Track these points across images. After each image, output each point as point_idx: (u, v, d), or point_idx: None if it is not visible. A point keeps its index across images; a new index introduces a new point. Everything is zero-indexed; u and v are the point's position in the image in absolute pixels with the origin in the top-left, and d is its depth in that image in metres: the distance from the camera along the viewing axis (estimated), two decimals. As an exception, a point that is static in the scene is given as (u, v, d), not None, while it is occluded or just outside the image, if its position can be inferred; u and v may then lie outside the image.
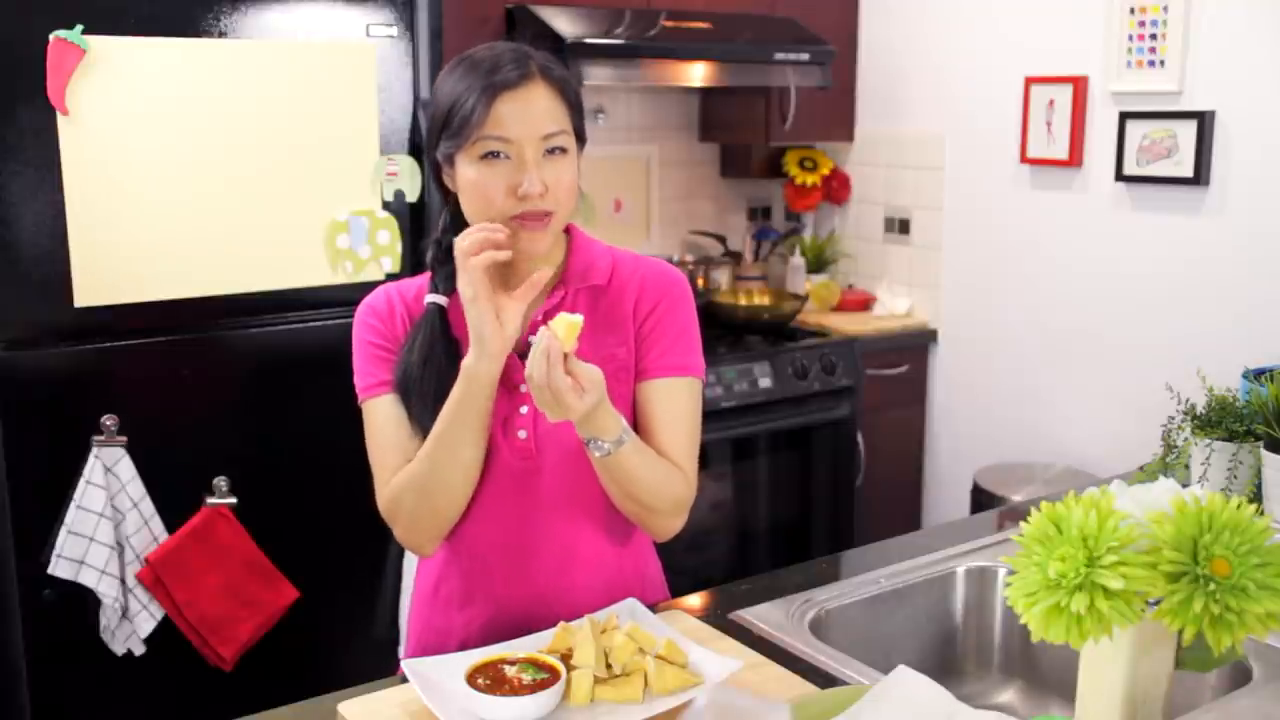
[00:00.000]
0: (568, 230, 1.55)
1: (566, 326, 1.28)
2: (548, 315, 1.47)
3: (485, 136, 1.37)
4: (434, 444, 1.41)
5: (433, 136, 1.43)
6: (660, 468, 1.45)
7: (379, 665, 1.60)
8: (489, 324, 1.36)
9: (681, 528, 1.53)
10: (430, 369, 1.43)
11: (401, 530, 1.47)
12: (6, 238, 2.18)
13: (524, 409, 1.46)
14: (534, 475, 1.46)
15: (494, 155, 1.38)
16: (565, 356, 1.27)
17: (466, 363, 1.38)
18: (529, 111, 1.38)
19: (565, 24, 3.03)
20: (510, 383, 1.46)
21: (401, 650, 1.65)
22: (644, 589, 1.57)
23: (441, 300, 1.47)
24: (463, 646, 1.50)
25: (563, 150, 1.41)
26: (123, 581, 2.30)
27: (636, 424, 1.50)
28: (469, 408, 1.39)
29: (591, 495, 1.48)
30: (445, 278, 1.48)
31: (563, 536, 1.49)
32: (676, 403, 1.50)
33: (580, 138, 1.46)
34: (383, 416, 1.47)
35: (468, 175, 1.40)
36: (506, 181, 1.38)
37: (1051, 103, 3.26)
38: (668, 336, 1.50)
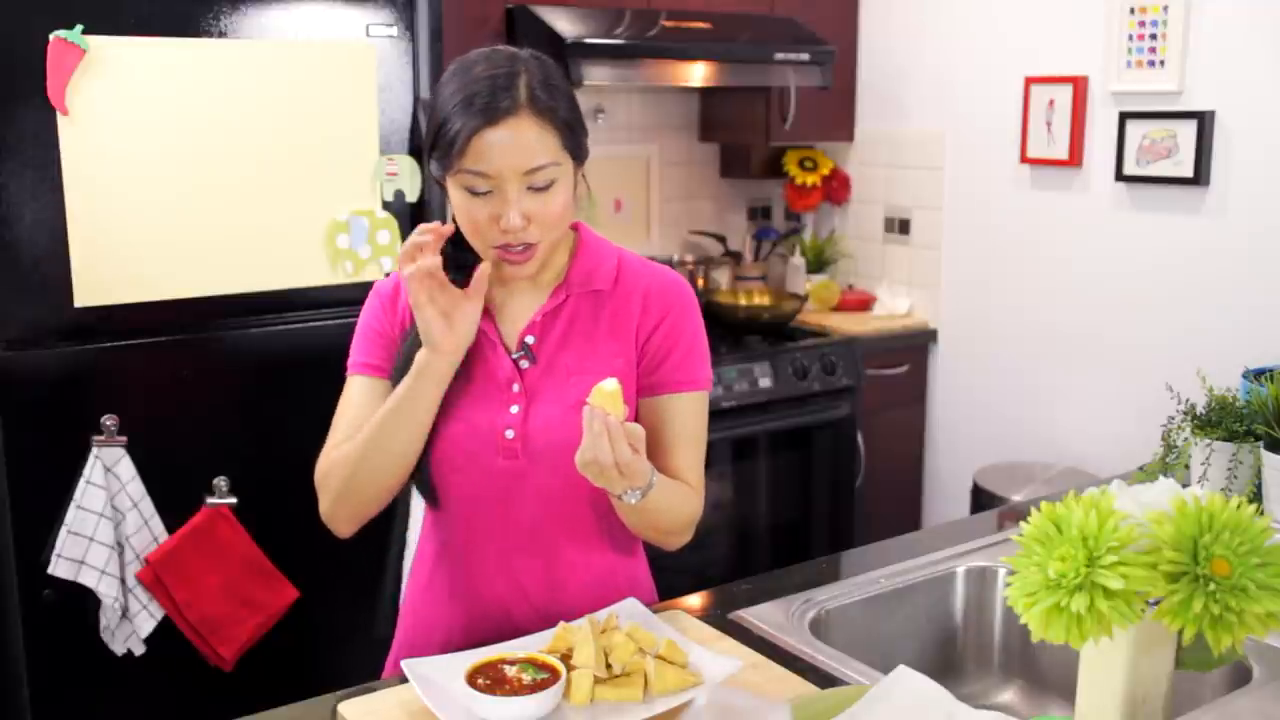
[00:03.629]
0: (576, 228, 1.55)
1: (610, 397, 1.25)
2: (547, 316, 1.48)
3: (465, 170, 1.36)
4: (373, 430, 1.42)
5: (428, 147, 1.42)
6: (678, 495, 1.46)
7: (379, 665, 1.60)
8: (436, 328, 1.38)
9: (689, 539, 1.53)
10: None
11: (325, 504, 1.48)
12: (6, 238, 2.18)
13: (514, 408, 1.45)
14: (520, 476, 1.46)
15: (476, 188, 1.37)
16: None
17: (419, 357, 1.40)
18: (512, 147, 1.35)
19: (565, 24, 3.03)
20: (500, 382, 1.46)
21: (394, 639, 1.65)
22: (633, 592, 1.56)
23: None
24: (448, 640, 1.50)
25: (550, 180, 1.38)
26: (123, 581, 2.30)
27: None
28: (414, 401, 1.40)
29: (578, 496, 1.47)
30: (452, 271, 1.49)
31: (548, 537, 1.49)
32: (686, 418, 1.50)
33: (578, 157, 1.42)
34: (355, 393, 1.50)
35: (455, 199, 1.40)
36: (489, 212, 1.37)
37: (1051, 103, 3.26)
38: (678, 351, 1.49)
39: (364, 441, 1.43)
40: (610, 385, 1.26)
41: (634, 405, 1.49)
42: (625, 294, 1.50)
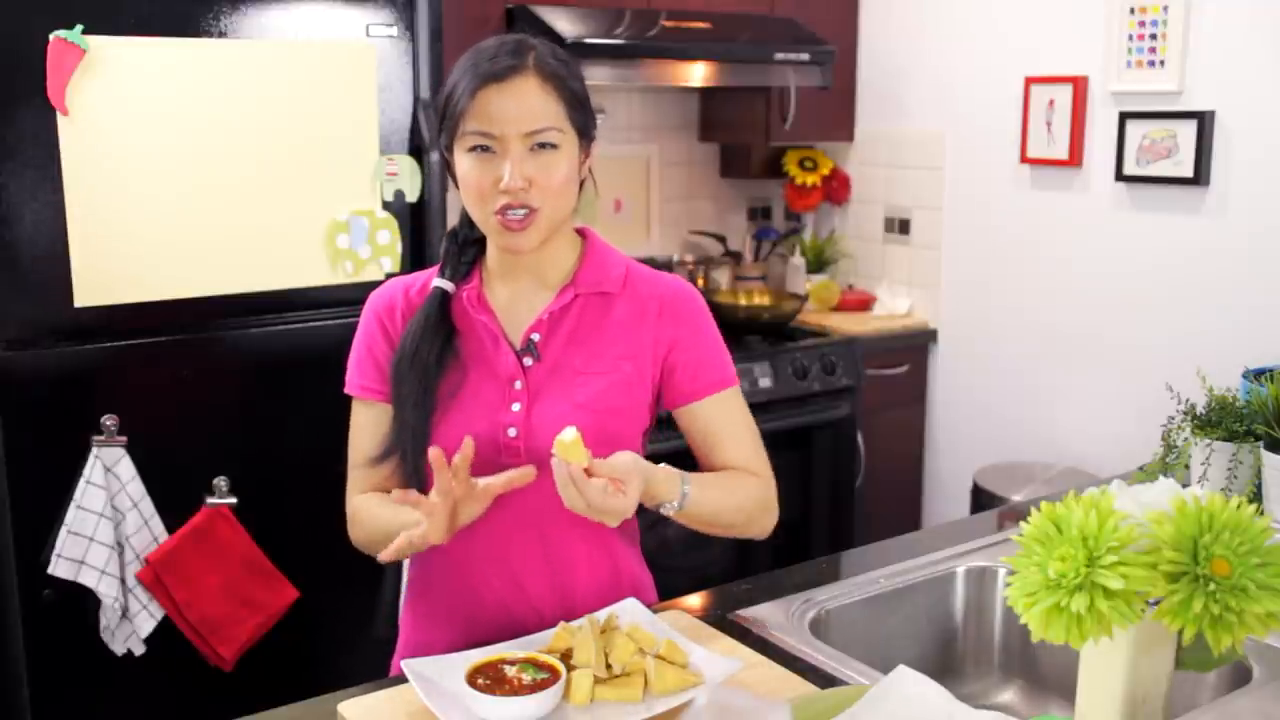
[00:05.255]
0: (583, 234, 1.55)
1: (570, 447, 1.27)
2: (554, 315, 1.47)
3: (470, 130, 1.37)
4: (379, 534, 1.45)
5: (439, 122, 1.43)
6: (735, 489, 1.48)
7: (379, 665, 1.60)
8: (435, 528, 1.33)
9: (776, 520, 1.55)
10: (420, 353, 1.44)
11: (353, 537, 1.55)
12: (6, 238, 2.18)
13: (516, 406, 1.45)
14: None
15: (481, 148, 1.38)
16: (588, 470, 1.28)
17: (415, 531, 1.34)
18: (515, 105, 1.36)
19: (565, 24, 3.03)
20: (502, 379, 1.46)
21: (397, 644, 1.65)
22: (635, 593, 1.55)
23: (447, 286, 1.48)
24: (451, 644, 1.50)
25: (552, 146, 1.38)
26: (123, 581, 2.30)
27: (697, 443, 1.53)
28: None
29: None
30: (454, 267, 1.49)
31: (550, 539, 1.49)
32: (730, 413, 1.53)
33: (584, 134, 1.44)
34: (357, 417, 1.53)
35: (460, 167, 1.41)
36: (493, 175, 1.37)
37: (1051, 103, 3.26)
38: (703, 360, 1.51)
39: (376, 537, 1.47)
40: (569, 435, 1.28)
41: (652, 413, 1.52)
42: (636, 300, 1.50)
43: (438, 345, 1.45)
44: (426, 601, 1.55)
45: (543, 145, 1.38)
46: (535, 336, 1.47)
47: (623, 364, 1.47)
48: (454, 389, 1.45)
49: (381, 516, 1.47)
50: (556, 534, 1.49)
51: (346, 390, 1.53)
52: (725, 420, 1.52)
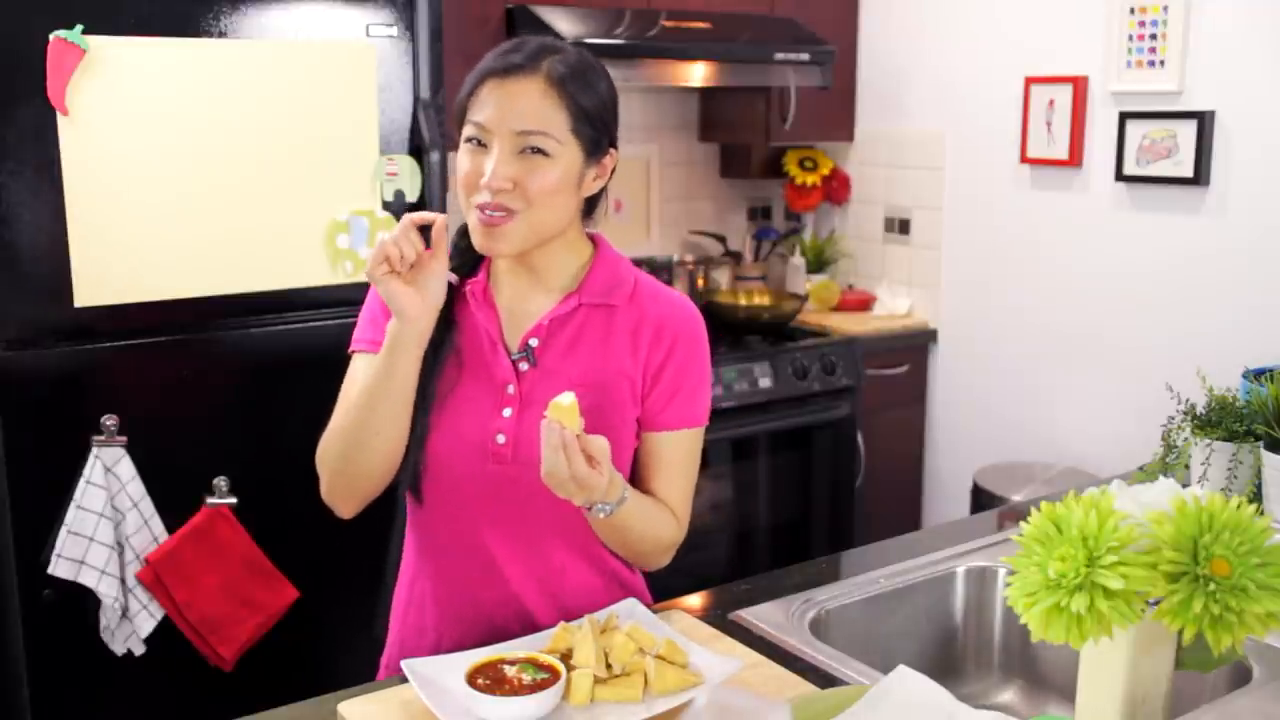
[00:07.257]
0: (595, 240, 1.54)
1: (567, 411, 1.26)
2: (555, 322, 1.46)
3: (469, 121, 1.38)
4: (357, 407, 1.39)
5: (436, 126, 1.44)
6: (654, 516, 1.45)
7: (379, 665, 1.60)
8: (403, 299, 1.34)
9: (667, 563, 1.53)
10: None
11: (324, 484, 1.46)
12: (6, 238, 2.18)
13: (506, 411, 1.43)
14: (511, 481, 1.43)
15: (475, 141, 1.37)
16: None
17: (390, 328, 1.37)
18: (510, 103, 1.35)
19: (565, 24, 3.04)
20: (496, 383, 1.45)
21: (385, 645, 1.64)
22: (626, 597, 1.55)
23: (450, 277, 1.46)
24: (437, 645, 1.49)
25: (543, 153, 1.36)
26: (123, 581, 2.30)
27: (636, 465, 1.50)
28: (391, 373, 1.37)
29: (570, 504, 1.46)
30: (460, 259, 1.48)
31: (539, 543, 1.47)
32: (682, 452, 1.50)
33: (592, 151, 1.42)
34: (358, 370, 1.47)
35: (458, 160, 1.40)
36: (479, 167, 1.37)
37: (1051, 103, 3.26)
38: (682, 390, 1.48)
39: (351, 419, 1.40)
40: (566, 399, 1.26)
41: (635, 432, 1.49)
42: (639, 316, 1.48)
43: (437, 338, 1.43)
44: (413, 602, 1.54)
45: (535, 150, 1.36)
46: (533, 342, 1.45)
47: (621, 380, 1.45)
48: (449, 386, 1.44)
49: (349, 407, 1.42)
50: (547, 542, 1.47)
51: (353, 347, 1.48)
52: (674, 458, 1.49)
